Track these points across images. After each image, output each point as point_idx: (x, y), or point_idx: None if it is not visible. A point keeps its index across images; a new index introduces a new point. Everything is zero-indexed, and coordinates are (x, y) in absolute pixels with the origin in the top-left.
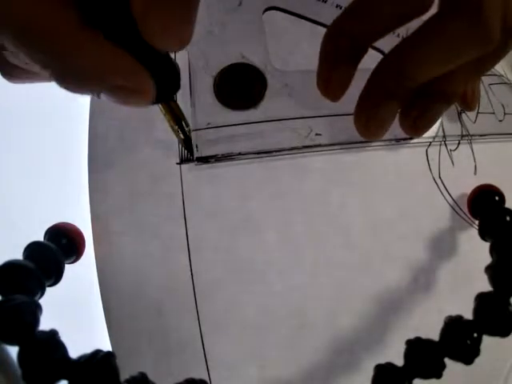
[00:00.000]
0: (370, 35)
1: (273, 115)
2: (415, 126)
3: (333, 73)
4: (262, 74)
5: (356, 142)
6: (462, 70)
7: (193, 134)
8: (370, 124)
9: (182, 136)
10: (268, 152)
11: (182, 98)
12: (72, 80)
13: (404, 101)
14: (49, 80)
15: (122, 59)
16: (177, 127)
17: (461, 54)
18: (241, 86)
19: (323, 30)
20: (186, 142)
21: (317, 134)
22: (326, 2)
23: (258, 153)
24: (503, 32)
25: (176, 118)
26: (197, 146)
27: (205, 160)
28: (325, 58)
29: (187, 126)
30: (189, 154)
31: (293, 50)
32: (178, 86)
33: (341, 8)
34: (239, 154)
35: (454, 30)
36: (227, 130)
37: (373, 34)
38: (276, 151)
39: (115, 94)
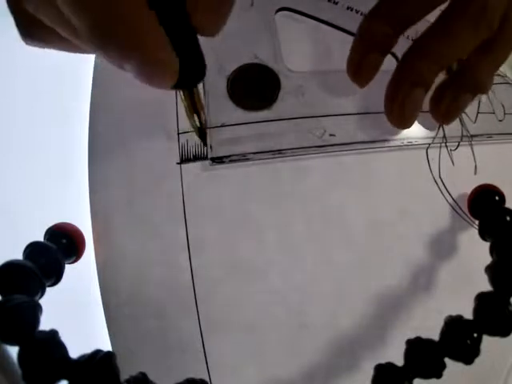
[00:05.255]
0: (405, 20)
1: (286, 116)
2: (446, 112)
3: (365, 58)
4: (275, 75)
5: (369, 142)
6: (481, 62)
7: (207, 134)
8: (403, 111)
9: (197, 125)
10: (282, 152)
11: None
12: (101, 44)
13: (429, 86)
14: (68, 48)
15: (157, 33)
16: (195, 116)
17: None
18: (254, 87)
19: (333, 32)
20: (201, 132)
21: (331, 135)
22: (337, 3)
23: (273, 153)
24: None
25: (195, 106)
26: (211, 147)
27: (219, 160)
28: (359, 43)
29: (204, 115)
30: (201, 151)
31: (305, 50)
32: (202, 74)
33: (352, 10)
34: (253, 153)
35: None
36: (241, 131)
37: (408, 19)
38: (290, 152)
39: (142, 67)
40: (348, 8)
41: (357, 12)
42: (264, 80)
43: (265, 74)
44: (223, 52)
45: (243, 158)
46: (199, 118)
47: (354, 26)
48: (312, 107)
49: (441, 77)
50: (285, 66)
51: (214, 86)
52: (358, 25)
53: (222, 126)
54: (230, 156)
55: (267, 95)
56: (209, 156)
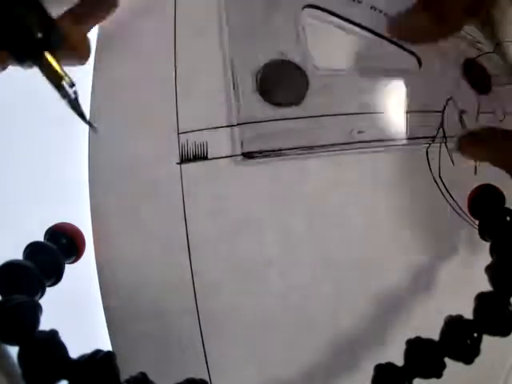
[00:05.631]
0: None
1: (315, 113)
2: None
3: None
4: (303, 72)
5: (395, 139)
6: None
7: (237, 130)
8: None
9: (66, 95)
10: (311, 148)
11: (226, 95)
12: None
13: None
14: None
15: None
16: (59, 83)
17: None
18: (283, 83)
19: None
20: (72, 103)
21: (359, 132)
22: (361, 2)
23: (303, 149)
24: None
25: (55, 73)
26: (242, 142)
27: (250, 155)
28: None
29: (72, 85)
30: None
31: (332, 49)
32: (56, 40)
33: (375, 9)
34: (285, 149)
35: None
36: (271, 126)
37: None
38: (319, 148)
39: None
40: (372, 7)
41: (380, 11)
42: (292, 77)
43: (293, 70)
44: (251, 48)
45: (275, 153)
46: (61, 87)
47: (377, 26)
48: (339, 105)
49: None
50: (312, 64)
51: (242, 82)
52: (380, 24)
53: (251, 120)
54: (261, 151)
55: (296, 91)
56: (239, 152)
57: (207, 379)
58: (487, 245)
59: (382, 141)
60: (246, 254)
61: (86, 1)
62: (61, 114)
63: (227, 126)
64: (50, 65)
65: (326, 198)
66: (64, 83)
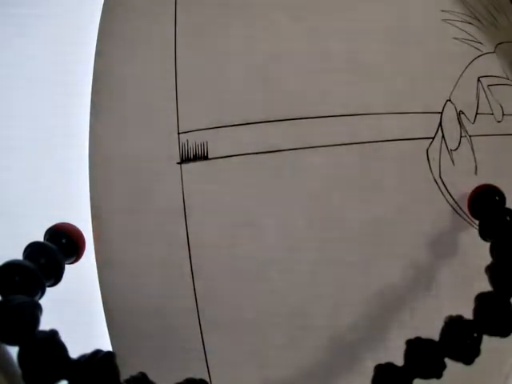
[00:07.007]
0: None
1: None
2: None
3: None
4: None
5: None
6: None
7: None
8: None
9: None
10: (282, 151)
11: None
12: None
13: None
14: None
15: None
16: None
17: None
18: None
19: None
20: None
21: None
22: None
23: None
24: None
25: None
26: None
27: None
28: None
29: None
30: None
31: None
32: None
33: None
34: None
35: None
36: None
37: None
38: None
39: None
40: None
41: None
42: None
43: None
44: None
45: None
46: None
47: None
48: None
49: None
50: None
51: None
52: None
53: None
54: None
55: None
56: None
57: (207, 379)
58: (487, 245)
59: (383, 141)
60: (246, 253)
61: None
62: (61, 114)
63: (227, 126)
64: None
65: (327, 197)
66: None
